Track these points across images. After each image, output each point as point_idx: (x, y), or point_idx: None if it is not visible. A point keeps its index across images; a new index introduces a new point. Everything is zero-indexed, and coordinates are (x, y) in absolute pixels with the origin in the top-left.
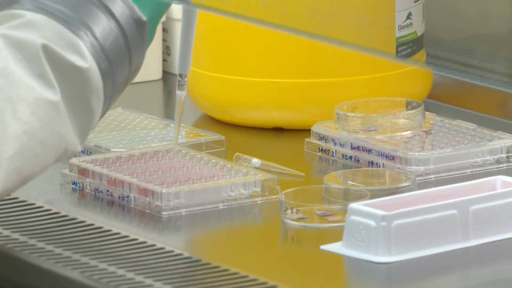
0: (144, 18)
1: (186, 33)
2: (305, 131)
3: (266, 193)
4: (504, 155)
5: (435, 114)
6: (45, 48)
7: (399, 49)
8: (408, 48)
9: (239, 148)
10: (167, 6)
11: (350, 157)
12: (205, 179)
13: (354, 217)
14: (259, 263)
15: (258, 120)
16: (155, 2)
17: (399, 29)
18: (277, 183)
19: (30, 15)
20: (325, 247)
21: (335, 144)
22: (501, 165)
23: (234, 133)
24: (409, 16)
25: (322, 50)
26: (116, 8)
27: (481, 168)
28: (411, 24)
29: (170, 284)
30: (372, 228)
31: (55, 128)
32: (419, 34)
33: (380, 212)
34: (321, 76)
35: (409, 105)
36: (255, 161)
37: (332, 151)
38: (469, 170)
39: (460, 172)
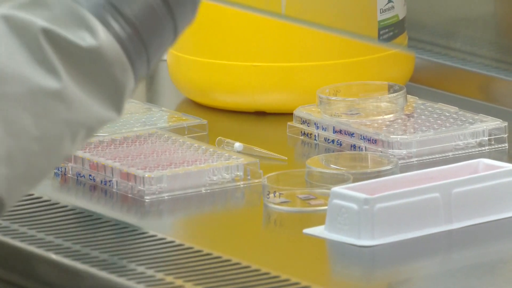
0: None
1: None
2: (288, 115)
3: (249, 177)
4: (486, 138)
5: (417, 97)
6: (46, 32)
7: (381, 32)
8: (390, 31)
9: (222, 132)
10: None
11: (333, 141)
12: (187, 163)
13: (336, 201)
14: (241, 247)
15: (240, 104)
16: None
17: (380, 13)
18: (259, 167)
19: None
20: (308, 230)
21: (318, 127)
22: (483, 148)
23: (216, 117)
24: None
25: (304, 34)
26: None
27: (463, 151)
28: (392, 7)
29: (153, 268)
30: (355, 211)
31: (56, 118)
32: (400, 17)
33: (363, 196)
34: (303, 60)
35: (391, 89)
36: (238, 145)
37: (315, 135)
38: (451, 153)
39: (442, 155)
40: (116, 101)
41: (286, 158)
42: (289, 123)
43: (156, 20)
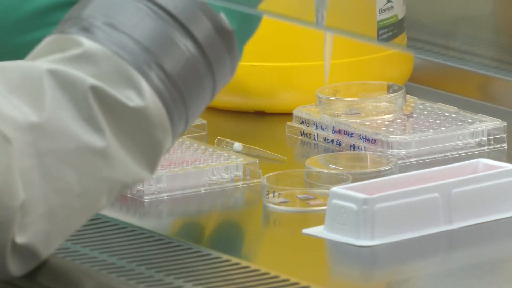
0: (230, 27)
1: None
2: (287, 115)
3: (248, 177)
4: (485, 138)
5: (416, 97)
6: (94, 90)
7: (380, 32)
8: (389, 31)
9: (221, 132)
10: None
11: (332, 141)
12: (186, 163)
13: (336, 201)
14: (241, 247)
15: (240, 104)
16: (248, 1)
17: (380, 13)
18: (259, 167)
19: (88, 46)
20: (307, 230)
21: (317, 127)
22: (482, 148)
23: (216, 117)
24: None
25: (303, 34)
26: (195, 25)
27: (462, 151)
28: (392, 7)
29: (153, 268)
30: (354, 211)
31: (99, 175)
32: (400, 17)
33: (362, 196)
34: (302, 60)
35: (390, 89)
36: (237, 145)
37: (314, 135)
38: (451, 153)
39: (442, 155)
40: (152, 161)
41: (286, 158)
42: (288, 123)
43: (198, 81)
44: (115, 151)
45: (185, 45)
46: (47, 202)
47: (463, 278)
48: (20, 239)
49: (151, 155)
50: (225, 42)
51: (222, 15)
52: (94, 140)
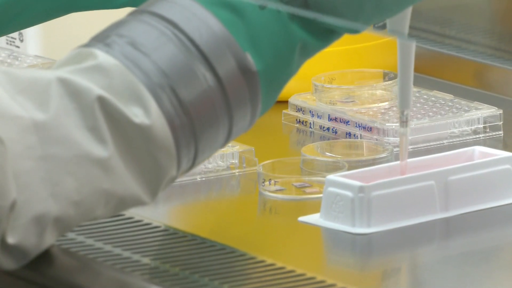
0: (254, 68)
1: (403, 66)
2: (283, 103)
3: (244, 165)
4: (481, 126)
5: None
6: (101, 101)
7: None
8: None
9: None
10: (291, 52)
11: (328, 129)
12: None
13: (331, 189)
14: (237, 235)
15: None
16: (277, 47)
17: None
18: (255, 155)
19: (103, 59)
20: (303, 218)
21: (313, 115)
22: (478, 136)
23: None
24: None
25: None
26: (218, 58)
27: (458, 139)
28: None
29: (148, 256)
30: (350, 199)
31: (97, 186)
32: None
33: (358, 183)
34: None
35: (386, 76)
36: None
37: (310, 123)
38: (446, 141)
39: (437, 142)
40: (152, 185)
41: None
42: (284, 111)
43: (212, 114)
44: (116, 164)
45: (204, 76)
46: (42, 206)
47: (459, 265)
48: (11, 239)
49: (152, 179)
50: (247, 81)
51: (248, 55)
52: (96, 150)
